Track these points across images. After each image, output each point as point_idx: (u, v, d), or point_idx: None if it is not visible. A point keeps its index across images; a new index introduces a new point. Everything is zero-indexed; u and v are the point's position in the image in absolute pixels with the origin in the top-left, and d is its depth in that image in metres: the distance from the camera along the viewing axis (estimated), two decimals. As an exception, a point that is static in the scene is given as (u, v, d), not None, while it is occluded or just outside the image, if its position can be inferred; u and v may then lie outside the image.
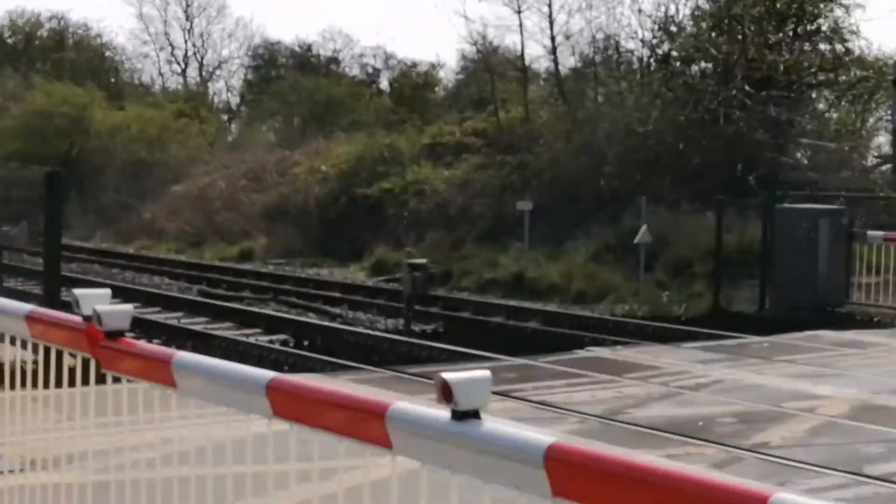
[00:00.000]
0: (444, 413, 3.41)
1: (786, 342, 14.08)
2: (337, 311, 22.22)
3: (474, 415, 3.36)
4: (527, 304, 22.58)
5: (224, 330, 19.68)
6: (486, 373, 3.41)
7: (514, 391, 10.55)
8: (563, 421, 9.37)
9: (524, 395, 10.44)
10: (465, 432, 3.35)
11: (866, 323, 16.84)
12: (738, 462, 8.10)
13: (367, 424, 3.72)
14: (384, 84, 50.03)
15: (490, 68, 35.49)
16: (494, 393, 11.55)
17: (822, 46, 29.97)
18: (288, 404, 4.11)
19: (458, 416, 3.36)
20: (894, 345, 14.10)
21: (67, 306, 5.06)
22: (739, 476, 7.44)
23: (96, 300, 4.90)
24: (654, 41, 30.86)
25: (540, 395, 10.49)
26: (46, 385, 5.45)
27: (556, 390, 10.74)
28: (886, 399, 10.47)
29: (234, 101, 56.47)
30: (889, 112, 22.39)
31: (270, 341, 18.23)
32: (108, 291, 4.97)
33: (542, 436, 3.19)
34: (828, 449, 8.57)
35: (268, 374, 4.22)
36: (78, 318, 4.99)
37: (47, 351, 5.38)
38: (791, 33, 29.75)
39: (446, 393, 3.37)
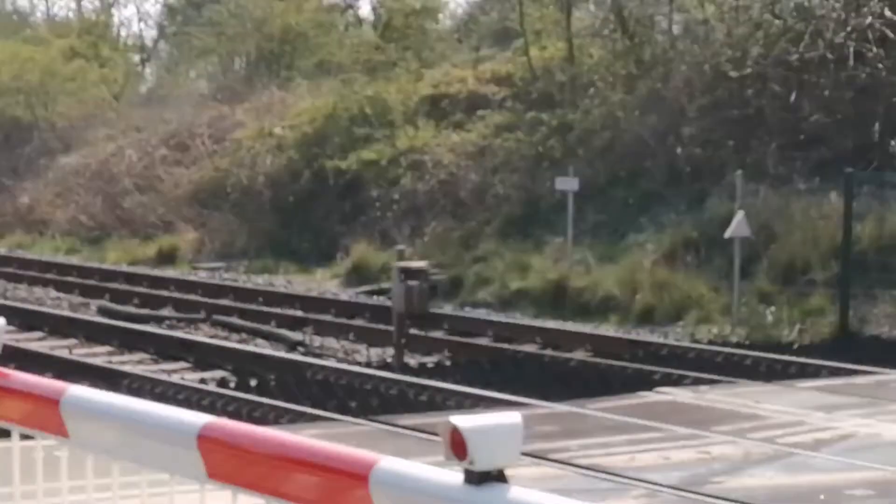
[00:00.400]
0: (453, 476, 3.41)
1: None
2: (298, 336, 22.17)
3: (498, 478, 3.36)
4: (570, 327, 22.53)
5: (135, 364, 19.64)
6: (516, 416, 3.41)
7: (555, 451, 10.58)
8: (625, 494, 9.44)
9: (569, 456, 10.49)
10: (484, 502, 3.35)
11: None
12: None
13: (343, 492, 3.72)
14: (365, 10, 50.05)
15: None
16: (527, 454, 11.54)
17: None
18: (228, 461, 4.09)
19: (475, 479, 3.36)
20: None
21: None
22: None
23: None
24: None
25: (590, 456, 10.55)
26: None
27: (613, 450, 10.80)
28: None
29: (150, 34, 56.52)
30: None
31: (202, 380, 18.16)
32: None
33: None
34: None
35: (200, 418, 4.21)
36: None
37: None
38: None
39: (458, 446, 3.36)
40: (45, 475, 4.84)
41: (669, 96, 28.69)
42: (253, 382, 18.02)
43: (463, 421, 3.38)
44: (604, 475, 9.93)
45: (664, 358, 18.97)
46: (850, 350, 18.14)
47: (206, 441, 4.13)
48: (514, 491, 3.33)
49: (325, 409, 14.77)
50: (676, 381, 15.64)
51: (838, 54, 26.71)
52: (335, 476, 3.73)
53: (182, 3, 54.52)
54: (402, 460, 3.70)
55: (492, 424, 3.39)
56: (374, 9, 49.47)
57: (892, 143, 25.06)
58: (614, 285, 24.48)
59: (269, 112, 37.41)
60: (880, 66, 26.35)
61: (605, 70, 31.34)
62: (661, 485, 9.66)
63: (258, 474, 4.05)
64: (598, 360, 19.15)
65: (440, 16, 48.13)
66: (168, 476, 4.33)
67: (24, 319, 23.24)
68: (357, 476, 3.64)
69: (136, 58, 54.74)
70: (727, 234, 22.24)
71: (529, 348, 20.67)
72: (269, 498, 3.99)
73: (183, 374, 18.76)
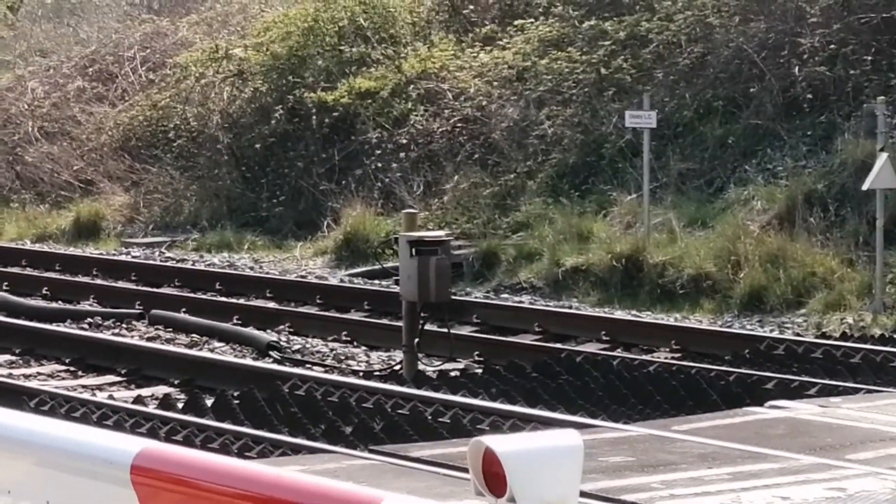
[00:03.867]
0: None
1: None
2: (270, 337, 22.21)
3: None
4: (648, 317, 22.59)
5: (45, 378, 19.67)
6: (575, 437, 3.42)
7: (629, 489, 10.60)
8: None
9: (649, 497, 10.48)
10: None
11: None
12: None
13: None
14: None
15: None
16: (592, 496, 11.55)
17: None
18: (175, 501, 4.11)
19: None
20: None
21: None
22: None
23: None
24: None
25: (679, 497, 10.53)
26: None
27: (709, 487, 10.77)
28: None
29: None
30: None
31: (137, 398, 18.20)
32: None
33: None
34: None
35: (133, 443, 4.23)
36: None
37: None
38: None
39: (494, 478, 3.39)
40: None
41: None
42: (208, 402, 18.05)
43: (500, 443, 3.38)
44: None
45: (780, 359, 18.97)
46: None
47: (141, 474, 4.14)
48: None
49: (309, 437, 14.77)
50: (797, 392, 15.62)
51: None
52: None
53: None
54: (415, 499, 3.72)
55: (540, 448, 3.40)
56: None
57: None
58: (708, 259, 24.48)
59: (225, 27, 37.44)
60: None
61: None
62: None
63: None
64: (687, 363, 19.15)
65: None
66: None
67: None
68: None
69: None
70: (866, 186, 22.23)
71: (592, 348, 20.67)
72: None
73: (111, 392, 18.76)
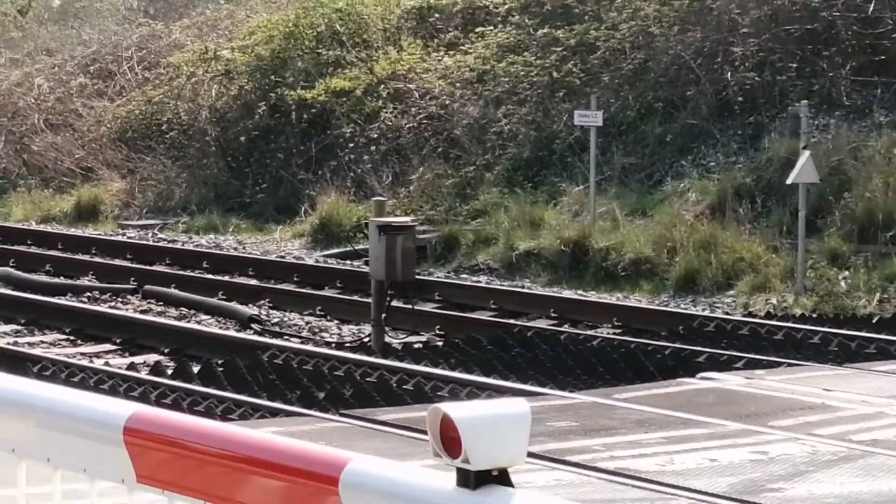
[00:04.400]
0: (444, 478, 3.42)
1: None
2: (252, 311, 22.17)
3: (499, 480, 3.37)
4: (593, 296, 22.55)
5: (47, 346, 19.61)
6: (523, 405, 3.41)
7: (573, 451, 10.62)
8: (664, 506, 9.43)
9: (591, 458, 10.50)
10: None
11: None
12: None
13: (309, 498, 3.72)
14: None
15: None
16: (539, 456, 11.56)
17: None
18: (162, 460, 4.09)
19: (471, 481, 3.37)
20: None
21: None
22: None
23: None
24: None
25: (618, 458, 10.55)
26: None
27: (646, 450, 10.80)
28: None
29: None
30: None
31: (131, 365, 18.15)
32: None
33: None
34: None
35: (126, 407, 4.21)
36: None
37: None
38: None
39: (450, 441, 3.37)
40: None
41: (717, 7, 28.67)
42: (195, 368, 18.02)
43: (456, 409, 3.37)
44: (634, 482, 9.93)
45: (711, 335, 18.98)
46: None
47: (134, 435, 4.12)
48: (520, 497, 3.33)
49: (286, 401, 14.73)
50: (726, 364, 15.64)
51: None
52: (300, 479, 3.72)
53: None
54: (379, 460, 3.70)
55: (492, 414, 3.39)
56: None
57: None
58: (647, 245, 24.48)
59: (214, 30, 37.29)
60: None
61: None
62: (705, 493, 9.67)
63: (202, 477, 4.02)
64: (627, 338, 19.16)
65: None
66: (88, 479, 4.32)
67: None
68: (326, 478, 3.64)
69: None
70: (790, 180, 22.26)
71: (542, 324, 20.66)
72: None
73: (107, 359, 18.70)
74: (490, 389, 14.54)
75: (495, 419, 3.37)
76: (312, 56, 33.69)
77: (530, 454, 8.93)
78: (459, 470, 3.37)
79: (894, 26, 26.32)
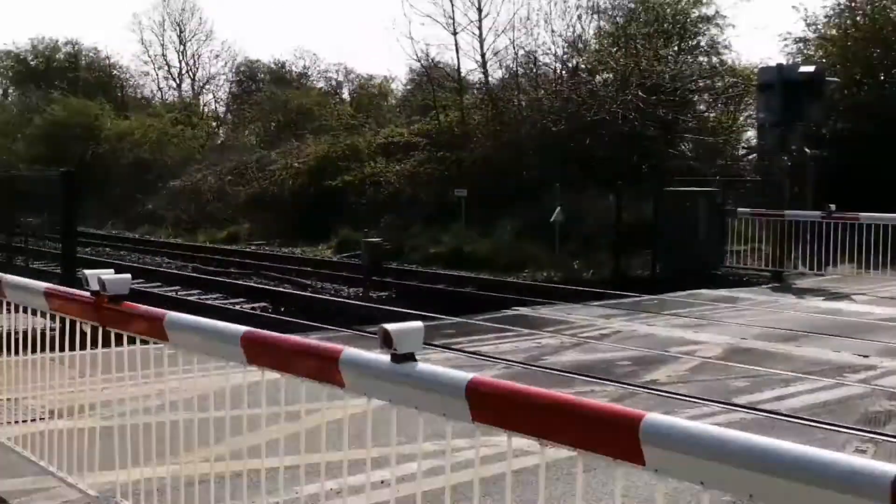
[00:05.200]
0: (385, 357, 3.47)
1: (672, 299, 14.22)
2: (308, 282, 22.10)
3: (410, 358, 3.42)
4: (464, 274, 22.55)
5: (214, 300, 19.51)
6: (419, 324, 3.47)
7: (453, 344, 10.55)
8: (493, 367, 9.37)
9: (461, 346, 10.43)
10: (402, 372, 3.41)
11: (737, 282, 17.02)
12: (633, 397, 8.20)
13: (324, 368, 3.75)
14: (345, 94, 49.82)
15: (432, 80, 35.26)
16: (436, 345, 11.31)
17: (701, 59, 30.41)
18: (259, 353, 4.12)
19: (397, 359, 3.42)
20: (760, 299, 14.30)
21: (81, 284, 5.08)
22: (633, 407, 7.52)
23: (102, 274, 4.92)
24: (565, 56, 31.04)
25: (474, 346, 10.46)
26: (63, 349, 5.48)
27: (486, 343, 10.72)
28: (752, 343, 10.63)
29: (221, 110, 55.97)
30: (755, 111, 22.55)
31: (252, 308, 18.09)
32: (111, 270, 4.98)
33: (464, 373, 3.26)
34: (704, 384, 8.69)
35: (241, 328, 4.24)
36: (87, 293, 5.00)
37: (63, 321, 5.42)
38: (675, 48, 29.98)
39: (387, 341, 3.42)
40: (154, 367, 4.85)
41: (518, 142, 28.78)
42: (282, 309, 17.92)
43: (390, 326, 3.44)
44: (481, 357, 9.95)
45: (516, 290, 19.01)
46: (620, 284, 18.27)
47: (245, 341, 4.13)
48: (420, 366, 3.39)
49: (323, 323, 14.71)
50: (523, 304, 15.70)
51: (613, 117, 26.87)
52: (320, 360, 3.74)
53: (240, 92, 53.96)
54: (356, 350, 3.74)
55: (405, 328, 3.46)
56: (350, 94, 49.42)
57: (644, 167, 25.21)
58: (488, 250, 24.51)
59: (290, 154, 37.17)
60: (636, 123, 26.54)
61: (482, 128, 31.33)
62: (513, 361, 9.71)
63: (274, 359, 4.08)
64: (479, 292, 19.15)
65: (389, 98, 47.97)
66: (224, 364, 4.33)
67: (147, 275, 23.04)
68: (332, 358, 3.67)
69: (214, 124, 53.98)
70: (552, 220, 22.37)
71: (441, 286, 20.60)
72: (281, 373, 3.99)
73: (241, 305, 18.63)
74: (418, 317, 14.48)
75: (407, 329, 3.42)
76: (336, 165, 33.63)
77: (427, 344, 8.96)
78: (392, 354, 3.43)
79: (597, 150, 26.46)
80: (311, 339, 4.30)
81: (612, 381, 8.74)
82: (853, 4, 27.07)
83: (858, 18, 26.81)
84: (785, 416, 7.55)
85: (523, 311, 13.65)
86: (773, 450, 2.42)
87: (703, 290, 15.11)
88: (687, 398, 8.10)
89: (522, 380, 8.79)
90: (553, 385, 8.51)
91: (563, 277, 21.12)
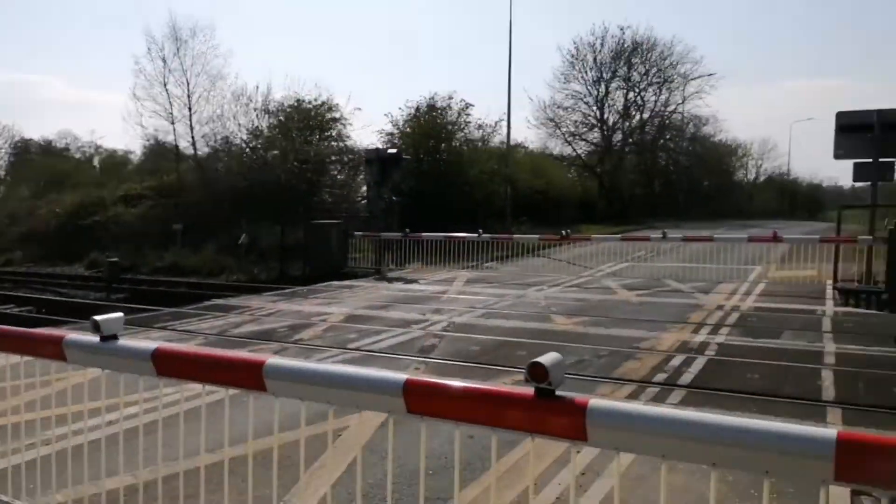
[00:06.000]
0: (95, 338, 3.01)
1: (315, 288, 14.03)
2: (65, 290, 19.29)
3: (114, 338, 3.02)
4: (179, 279, 20.91)
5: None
6: (119, 314, 3.07)
7: (170, 326, 9.63)
8: (195, 339, 8.60)
9: (174, 327, 9.54)
10: (107, 348, 3.01)
11: (354, 276, 17.18)
12: (285, 350, 7.89)
13: (52, 348, 3.13)
14: (95, 162, 45.11)
15: (157, 153, 32.44)
16: (158, 327, 10.12)
17: (333, 143, 30.55)
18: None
19: (104, 339, 3.01)
20: (367, 286, 14.48)
21: None
22: (287, 357, 7.16)
23: None
24: (248, 139, 29.87)
25: (184, 326, 9.59)
26: None
27: (192, 323, 9.84)
28: (361, 311, 10.70)
29: (1, 174, 48.08)
30: (365, 175, 23.04)
31: (20, 311, 15.46)
32: None
33: (149, 343, 2.88)
34: (332, 337, 8.58)
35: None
36: None
37: None
38: (317, 137, 29.86)
39: (96, 327, 3.00)
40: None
41: (219, 192, 27.02)
42: (43, 310, 15.31)
43: (99, 318, 2.88)
44: (187, 332, 9.02)
45: (215, 288, 17.85)
46: (284, 281, 17.79)
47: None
48: (120, 342, 2.86)
49: (73, 319, 12.78)
50: (220, 296, 14.74)
51: (279, 178, 26.12)
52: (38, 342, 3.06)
53: (16, 160, 46.54)
54: (78, 335, 3.11)
55: (110, 317, 2.99)
56: (100, 162, 44.55)
57: (300, 208, 24.56)
58: (198, 262, 22.84)
59: (54, 202, 32.51)
60: (293, 182, 25.99)
61: (194, 184, 29.11)
62: (210, 334, 8.95)
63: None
64: (190, 290, 17.68)
65: (129, 166, 43.43)
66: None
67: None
68: (54, 342, 3.00)
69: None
70: (239, 242, 21.28)
71: (163, 288, 18.71)
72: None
73: (11, 309, 15.81)
74: (145, 310, 12.90)
75: (112, 318, 2.90)
76: (90, 208, 29.84)
77: (154, 328, 7.78)
78: (101, 336, 2.86)
79: (273, 195, 25.50)
80: (40, 330, 3.54)
81: (273, 341, 8.37)
82: (417, 114, 28.84)
83: (420, 121, 28.58)
84: (378, 352, 7.61)
85: (219, 301, 12.82)
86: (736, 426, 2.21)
87: (334, 282, 15.06)
88: (320, 347, 7.94)
89: (215, 347, 8.15)
90: (237, 348, 7.95)
91: (248, 279, 20.19)
